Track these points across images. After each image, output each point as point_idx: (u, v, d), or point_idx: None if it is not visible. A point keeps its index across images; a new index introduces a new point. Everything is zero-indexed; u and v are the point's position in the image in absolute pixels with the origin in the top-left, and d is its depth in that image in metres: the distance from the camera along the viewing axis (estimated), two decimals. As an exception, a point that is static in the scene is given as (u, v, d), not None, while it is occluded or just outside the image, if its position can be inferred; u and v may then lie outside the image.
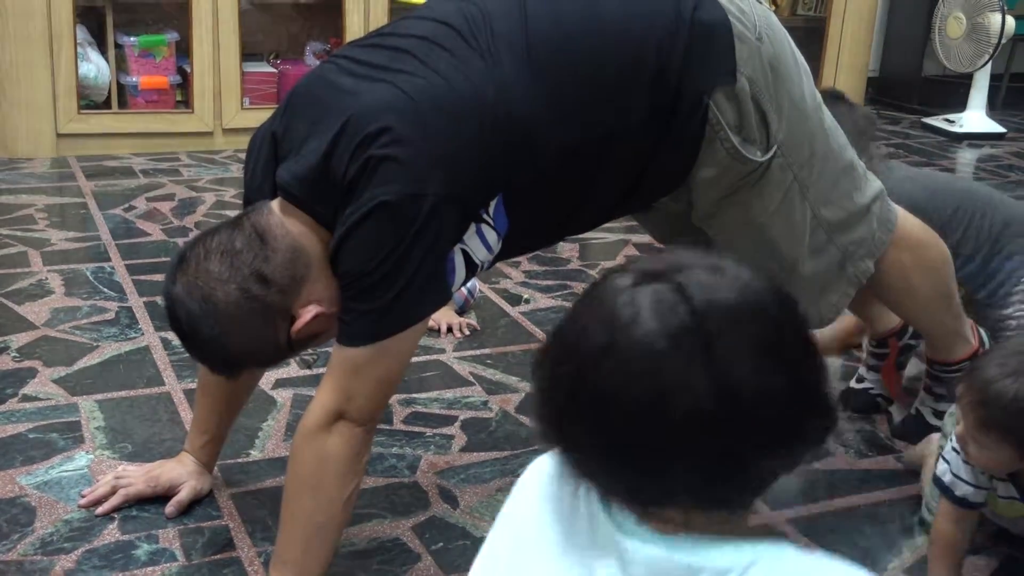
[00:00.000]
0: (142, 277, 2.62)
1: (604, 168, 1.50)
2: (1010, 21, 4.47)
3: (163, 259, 2.77)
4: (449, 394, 2.13)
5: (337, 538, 1.42)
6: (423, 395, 2.11)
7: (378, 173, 1.32)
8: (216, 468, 1.77)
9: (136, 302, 2.47)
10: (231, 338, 1.40)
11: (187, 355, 2.17)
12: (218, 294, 1.37)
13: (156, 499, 1.69)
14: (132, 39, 3.79)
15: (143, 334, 2.31)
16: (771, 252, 1.67)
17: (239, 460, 1.84)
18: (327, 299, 1.41)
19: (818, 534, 1.71)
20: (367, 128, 1.33)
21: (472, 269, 1.49)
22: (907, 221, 1.80)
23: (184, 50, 3.85)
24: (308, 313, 1.40)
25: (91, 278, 2.62)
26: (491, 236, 1.46)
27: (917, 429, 2.00)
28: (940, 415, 1.98)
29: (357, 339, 1.37)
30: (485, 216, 1.43)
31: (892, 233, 1.74)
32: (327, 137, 1.36)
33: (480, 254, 1.47)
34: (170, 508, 1.67)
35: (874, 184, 1.74)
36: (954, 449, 1.55)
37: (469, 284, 2.31)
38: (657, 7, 1.49)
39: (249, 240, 1.39)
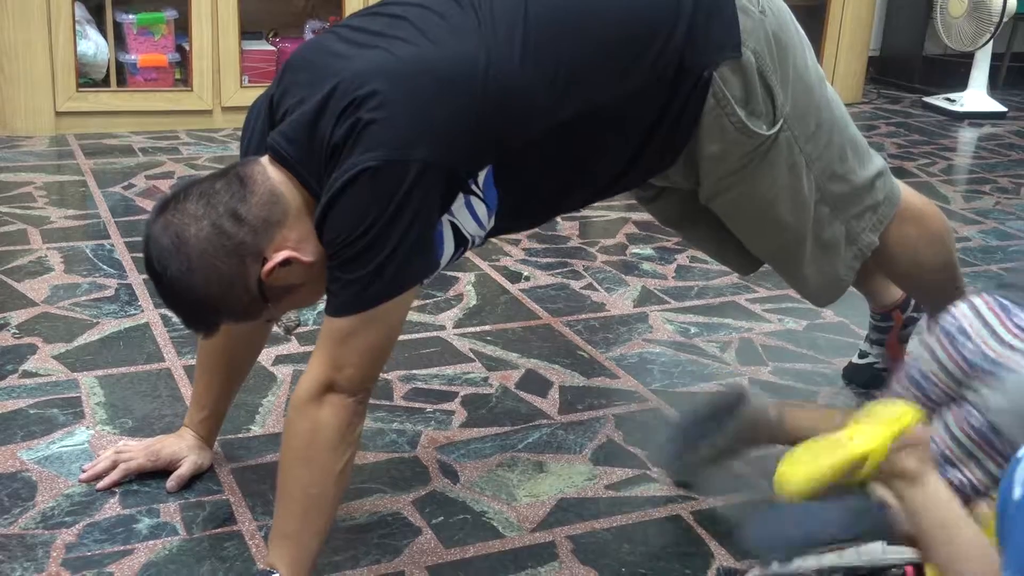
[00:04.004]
0: (141, 254, 2.61)
1: (600, 141, 1.49)
2: (1011, 0, 4.45)
3: (163, 237, 2.77)
4: (449, 370, 2.13)
5: (333, 510, 1.42)
6: (423, 371, 2.11)
7: (364, 138, 1.31)
8: (217, 444, 1.77)
9: (136, 279, 2.47)
10: (199, 275, 1.36)
11: (187, 331, 2.18)
12: (191, 229, 1.36)
13: (157, 474, 1.70)
14: (131, 17, 3.78)
15: (143, 311, 2.31)
16: (778, 228, 1.67)
17: (240, 436, 1.85)
18: (304, 249, 1.38)
19: (817, 509, 1.72)
20: (356, 92, 1.32)
21: (462, 243, 1.48)
22: (909, 194, 1.80)
23: (183, 28, 3.83)
24: (279, 255, 1.37)
25: (91, 255, 2.62)
26: (481, 210, 1.45)
27: None
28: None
29: (344, 309, 1.36)
30: (474, 188, 1.42)
31: (896, 207, 1.75)
32: (316, 99, 1.35)
33: (470, 227, 1.46)
34: (171, 483, 1.68)
35: (877, 158, 1.75)
36: None
37: None
38: None
39: (229, 182, 1.38)
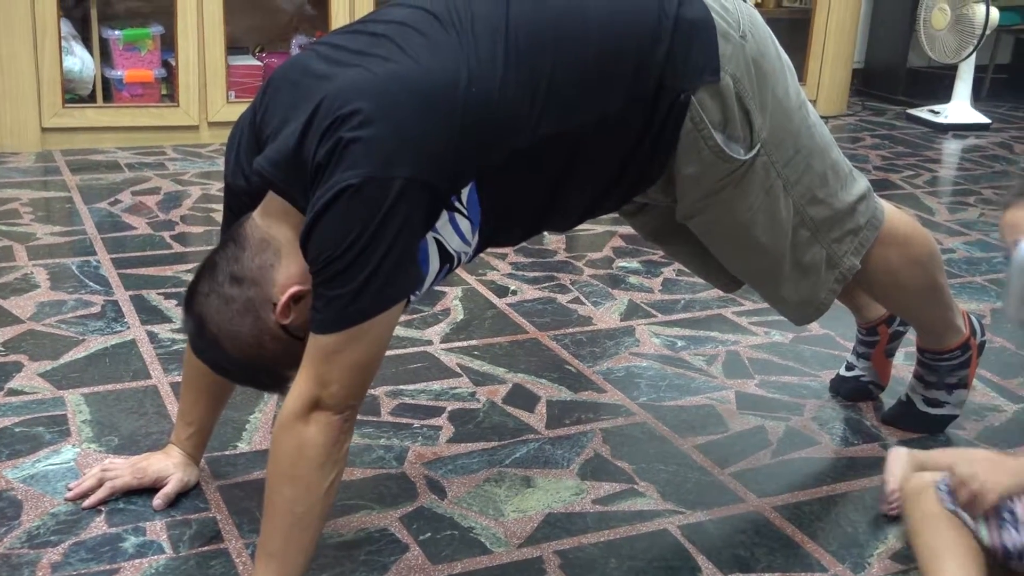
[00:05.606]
0: (128, 271, 2.62)
1: (580, 159, 1.49)
2: (994, 12, 4.49)
3: (149, 253, 2.77)
4: (436, 385, 2.13)
5: (319, 528, 1.42)
6: (410, 387, 2.11)
7: (346, 156, 1.32)
8: (203, 460, 1.77)
9: (122, 296, 2.47)
10: (228, 344, 1.44)
11: (173, 348, 2.19)
12: (204, 309, 1.44)
13: (143, 491, 1.69)
14: (116, 32, 3.78)
15: (129, 328, 2.31)
16: (755, 250, 1.67)
17: (226, 452, 1.84)
18: (308, 279, 1.40)
19: (804, 521, 1.72)
20: (338, 111, 1.33)
21: (447, 260, 1.48)
22: (894, 217, 1.80)
23: (169, 43, 3.84)
24: (286, 294, 1.41)
25: (77, 272, 2.61)
26: (465, 226, 1.46)
27: (906, 416, 2.01)
28: (931, 403, 1.99)
29: (328, 326, 1.36)
30: (458, 204, 1.43)
31: (878, 230, 1.75)
32: (301, 121, 1.36)
33: (454, 244, 1.47)
34: (157, 500, 1.67)
35: (861, 182, 1.75)
36: None
37: None
38: (641, 3, 1.49)
39: (225, 249, 1.45)
